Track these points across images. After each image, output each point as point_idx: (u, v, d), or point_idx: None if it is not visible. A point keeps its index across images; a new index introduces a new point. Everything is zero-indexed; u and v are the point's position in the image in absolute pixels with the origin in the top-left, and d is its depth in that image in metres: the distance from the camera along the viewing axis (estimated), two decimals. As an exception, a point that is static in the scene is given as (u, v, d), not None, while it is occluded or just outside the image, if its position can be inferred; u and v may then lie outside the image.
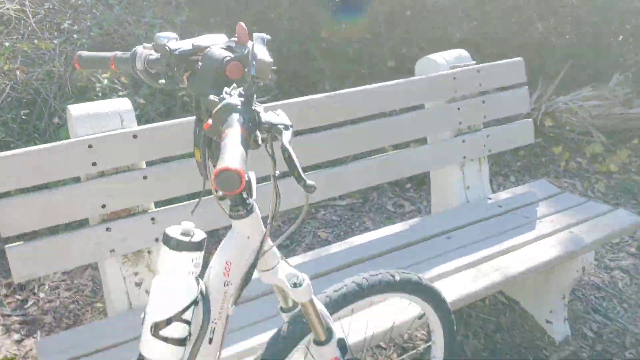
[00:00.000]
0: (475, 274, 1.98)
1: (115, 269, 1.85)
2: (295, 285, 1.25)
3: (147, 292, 1.89)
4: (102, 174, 1.79)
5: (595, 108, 3.96)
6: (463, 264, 2.03)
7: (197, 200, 1.19)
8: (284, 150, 1.01)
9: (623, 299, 2.61)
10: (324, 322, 1.34)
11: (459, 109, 2.42)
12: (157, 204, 1.93)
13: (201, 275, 1.20)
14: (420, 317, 1.72)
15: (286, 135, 1.03)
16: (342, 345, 1.43)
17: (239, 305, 1.77)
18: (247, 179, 1.02)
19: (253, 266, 1.22)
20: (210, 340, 1.21)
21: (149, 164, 1.89)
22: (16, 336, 2.37)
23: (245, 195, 1.17)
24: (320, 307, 1.35)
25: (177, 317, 1.12)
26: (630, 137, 4.00)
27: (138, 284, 1.89)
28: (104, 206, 1.78)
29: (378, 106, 2.27)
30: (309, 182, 1.00)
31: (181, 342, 1.14)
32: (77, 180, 1.79)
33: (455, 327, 1.73)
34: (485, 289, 1.90)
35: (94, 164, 1.75)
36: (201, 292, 1.17)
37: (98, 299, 2.61)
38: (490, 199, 2.50)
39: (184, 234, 1.12)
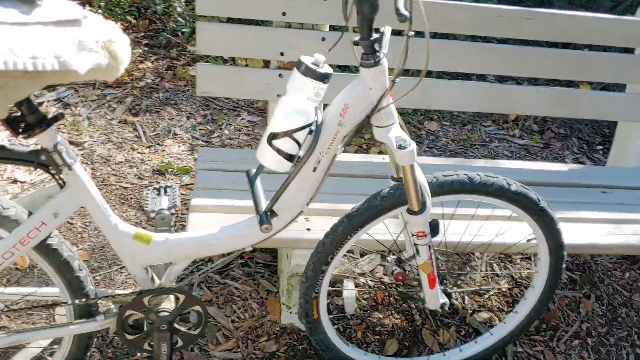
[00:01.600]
0: (611, 230, 1.86)
1: (277, 112, 2.09)
2: (400, 147, 1.34)
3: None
4: (288, 25, 2.00)
5: None
6: (604, 217, 1.91)
7: (338, 37, 1.31)
8: None
9: None
10: (420, 193, 1.42)
11: (671, 63, 2.16)
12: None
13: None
14: (529, 240, 1.69)
15: None
16: (435, 225, 1.51)
17: (340, 177, 1.93)
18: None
19: (368, 117, 1.34)
20: (314, 169, 1.37)
21: (332, 28, 2.06)
22: (196, 155, 2.82)
23: (377, 47, 1.26)
24: (421, 178, 1.42)
25: (290, 134, 1.29)
26: None
27: (292, 132, 2.11)
28: (282, 54, 2.00)
29: (576, 37, 2.13)
30: (402, 11, 1.07)
31: (289, 157, 1.32)
32: (269, 24, 2.03)
33: (563, 265, 1.68)
34: (612, 246, 1.79)
35: (283, 14, 1.96)
36: (317, 122, 1.32)
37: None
38: (673, 172, 2.25)
39: (314, 63, 1.26)
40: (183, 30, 3.51)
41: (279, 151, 1.31)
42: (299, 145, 1.32)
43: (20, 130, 1.17)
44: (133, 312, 1.41)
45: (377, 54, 1.27)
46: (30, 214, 1.29)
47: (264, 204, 1.41)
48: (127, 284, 2.04)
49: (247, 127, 3.09)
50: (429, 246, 1.51)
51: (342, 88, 1.35)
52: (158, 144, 2.86)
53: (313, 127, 1.33)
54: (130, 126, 2.93)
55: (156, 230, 1.45)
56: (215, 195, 1.80)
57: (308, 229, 1.71)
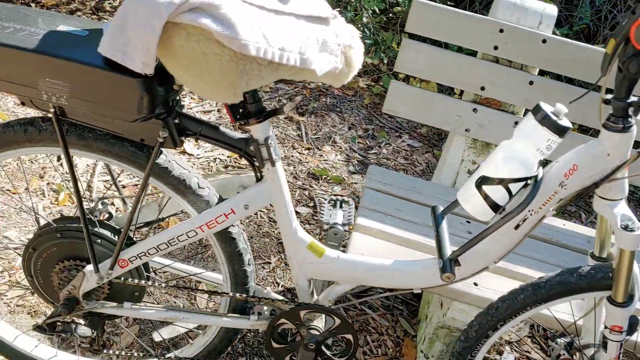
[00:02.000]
0: None
1: (459, 147, 1.97)
2: (625, 228, 1.17)
3: (472, 182, 1.99)
4: (496, 60, 1.87)
5: None
6: None
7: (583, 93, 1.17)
8: None
9: None
10: (630, 284, 1.23)
11: None
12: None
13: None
14: None
15: None
16: (634, 323, 1.31)
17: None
18: None
19: (594, 185, 1.17)
20: (517, 227, 1.23)
21: (541, 73, 1.91)
22: (351, 168, 2.77)
23: (630, 112, 1.11)
24: (637, 268, 1.24)
25: (505, 183, 1.17)
26: None
27: (468, 173, 1.98)
28: (482, 88, 1.88)
29: None
30: None
31: (495, 207, 1.19)
32: (473, 53, 1.91)
33: None
34: None
35: (495, 48, 1.84)
36: (536, 177, 1.19)
37: (426, 178, 2.81)
38: None
39: (554, 112, 1.13)
40: (365, 41, 3.49)
41: (486, 197, 1.19)
42: (510, 196, 1.19)
43: (238, 116, 1.15)
44: (286, 321, 1.36)
45: (629, 119, 1.11)
46: (220, 198, 1.28)
47: (448, 249, 1.29)
48: (266, 281, 2.02)
49: (406, 150, 3.00)
50: (621, 344, 1.31)
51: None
52: (317, 147, 2.84)
53: (530, 182, 1.19)
54: (295, 124, 2.95)
55: (326, 244, 1.39)
56: (380, 219, 1.71)
57: (475, 284, 1.57)
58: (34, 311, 1.75)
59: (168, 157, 1.23)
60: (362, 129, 3.07)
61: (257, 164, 1.20)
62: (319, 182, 2.61)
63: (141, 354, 1.49)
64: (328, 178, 2.64)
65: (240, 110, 1.15)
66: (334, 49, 1.04)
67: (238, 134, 1.21)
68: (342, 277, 1.34)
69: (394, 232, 1.67)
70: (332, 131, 2.99)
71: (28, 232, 2.04)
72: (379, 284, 1.34)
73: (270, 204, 1.25)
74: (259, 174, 1.23)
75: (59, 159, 1.29)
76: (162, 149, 1.19)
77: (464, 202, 1.23)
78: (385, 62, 3.53)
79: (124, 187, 2.31)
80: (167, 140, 1.14)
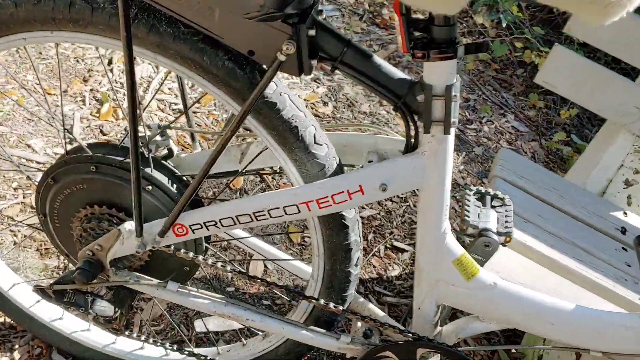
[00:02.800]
0: None
1: (623, 148, 1.49)
2: None
3: (629, 198, 1.52)
4: None
5: None
6: None
7: None
8: None
9: None
10: None
11: None
12: None
13: None
14: None
15: None
16: None
17: None
18: None
19: None
20: None
21: None
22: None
23: None
24: None
25: None
26: None
27: (625, 183, 1.51)
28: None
29: None
30: None
31: None
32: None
33: None
34: None
35: None
36: None
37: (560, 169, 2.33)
38: None
39: None
40: (480, -6, 2.95)
41: None
42: None
43: (413, 43, 0.70)
44: (393, 356, 0.94)
45: None
46: (340, 164, 0.84)
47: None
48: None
49: (510, 133, 2.50)
50: None
51: None
52: (408, 107, 2.37)
53: None
54: (386, 76, 2.47)
55: (470, 254, 0.95)
56: (520, 227, 1.27)
57: None
58: (45, 249, 1.37)
59: (279, 88, 0.78)
60: (461, 97, 2.57)
61: (418, 124, 0.75)
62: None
63: (173, 345, 1.09)
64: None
65: (417, 34, 0.70)
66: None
67: (400, 73, 0.75)
68: (490, 314, 0.90)
69: (539, 249, 1.22)
70: (426, 93, 2.50)
71: (57, 144, 1.64)
72: (546, 334, 0.91)
73: (417, 189, 0.81)
74: (413, 141, 0.78)
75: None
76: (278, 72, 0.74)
77: None
78: (498, 25, 2.98)
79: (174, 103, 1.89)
80: (291, 60, 0.70)
